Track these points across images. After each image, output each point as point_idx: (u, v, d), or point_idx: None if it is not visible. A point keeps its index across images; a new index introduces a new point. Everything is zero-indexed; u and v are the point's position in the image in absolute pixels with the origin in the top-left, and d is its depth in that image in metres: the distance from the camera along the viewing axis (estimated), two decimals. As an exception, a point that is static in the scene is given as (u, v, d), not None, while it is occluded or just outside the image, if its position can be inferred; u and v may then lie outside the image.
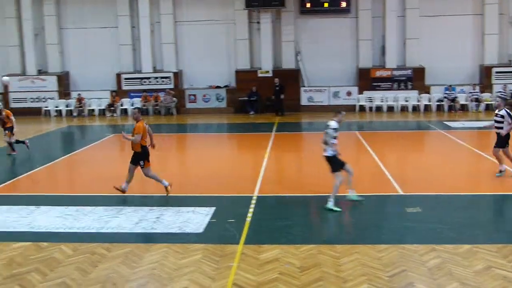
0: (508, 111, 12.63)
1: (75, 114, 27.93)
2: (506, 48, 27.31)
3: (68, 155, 17.85)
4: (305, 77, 27.94)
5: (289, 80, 27.24)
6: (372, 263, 7.79)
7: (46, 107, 28.40)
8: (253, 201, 11.20)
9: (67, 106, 28.36)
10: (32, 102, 28.68)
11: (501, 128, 12.67)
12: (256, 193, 11.87)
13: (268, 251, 8.33)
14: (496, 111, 13.08)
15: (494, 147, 12.94)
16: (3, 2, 28.51)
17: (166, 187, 11.75)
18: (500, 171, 12.85)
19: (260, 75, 27.58)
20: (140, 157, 11.68)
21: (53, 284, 7.33)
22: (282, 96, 26.19)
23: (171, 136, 22.18)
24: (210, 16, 28.31)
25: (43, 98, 28.65)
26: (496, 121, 12.92)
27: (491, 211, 11.15)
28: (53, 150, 19.66)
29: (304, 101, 27.71)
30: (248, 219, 10.01)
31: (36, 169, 15.24)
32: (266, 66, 27.68)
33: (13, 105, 28.52)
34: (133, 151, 11.85)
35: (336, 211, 10.36)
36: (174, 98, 27.59)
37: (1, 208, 11.01)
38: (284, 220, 10.09)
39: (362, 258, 8.00)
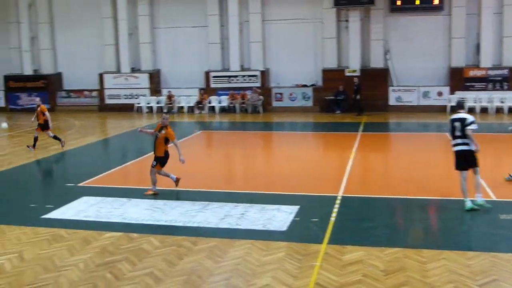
0: None
1: (165, 110, 28.84)
2: None
3: (158, 150, 18.44)
4: (393, 77, 27.28)
5: (377, 79, 26.72)
6: (460, 271, 7.50)
7: (138, 103, 29.51)
8: (338, 201, 11.10)
9: (157, 102, 29.34)
10: (125, 98, 29.92)
11: None
12: (340, 193, 11.76)
13: (351, 252, 8.23)
14: None
15: None
16: (100, 3, 29.94)
17: (153, 191, 12.09)
18: None
19: (347, 74, 27.24)
20: (159, 160, 12.06)
21: (141, 274, 7.62)
22: (358, 97, 25.83)
23: (257, 134, 22.40)
24: (298, 15, 28.29)
25: (136, 95, 29.83)
26: None
27: None
28: (144, 145, 20.39)
29: (392, 101, 27.06)
30: (332, 219, 9.94)
31: (127, 163, 15.91)
32: (353, 65, 27.30)
33: (107, 101, 29.99)
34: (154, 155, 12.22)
35: (484, 206, 10.20)
36: (261, 97, 27.84)
37: (96, 199, 11.59)
38: (369, 221, 9.93)
39: (450, 264, 7.72)
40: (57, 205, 11.16)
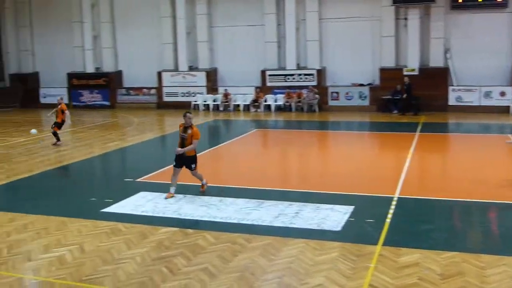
0: None
1: (221, 108, 29.16)
2: None
3: (214, 147, 18.70)
4: (454, 76, 26.58)
5: (436, 79, 26.14)
6: (523, 277, 7.25)
7: (195, 101, 29.94)
8: (394, 202, 10.92)
9: (214, 100, 29.69)
10: (182, 96, 30.44)
11: None
12: (397, 194, 11.56)
13: (407, 255, 8.08)
14: None
15: None
16: (159, 2, 30.55)
17: (202, 185, 12.06)
18: None
19: (405, 73, 26.73)
20: (193, 160, 11.68)
21: (196, 269, 7.74)
22: (404, 96, 25.41)
23: (312, 133, 22.31)
24: (355, 13, 28.00)
25: (193, 93, 30.28)
26: None
27: None
28: (200, 143, 20.64)
29: (452, 101, 26.37)
30: (388, 220, 9.78)
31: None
32: (412, 64, 26.78)
33: (165, 99, 30.58)
34: (178, 155, 11.56)
35: None
36: (317, 95, 27.71)
37: (152, 194, 11.85)
38: (426, 223, 9.72)
39: (510, 270, 7.46)
40: (116, 200, 11.47)
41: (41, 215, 10.55)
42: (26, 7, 33.93)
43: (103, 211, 10.74)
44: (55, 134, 18.72)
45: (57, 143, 18.72)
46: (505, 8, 25.82)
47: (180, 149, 11.41)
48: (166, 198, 11.44)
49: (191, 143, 11.40)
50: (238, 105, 29.21)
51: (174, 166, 11.66)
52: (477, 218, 10.31)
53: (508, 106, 25.14)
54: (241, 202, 11.12)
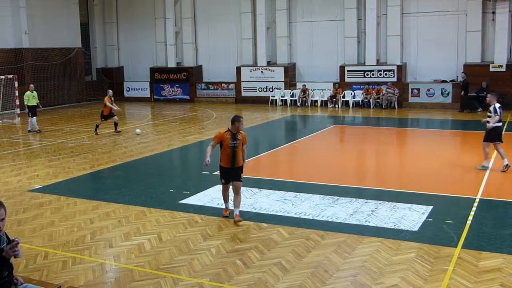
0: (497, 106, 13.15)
1: (298, 104, 29.11)
2: None
3: (291, 142, 18.72)
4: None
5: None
6: None
7: (273, 96, 30.06)
8: (475, 204, 10.51)
9: (292, 96, 29.69)
10: (260, 91, 30.65)
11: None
12: (479, 196, 11.12)
13: (488, 259, 7.75)
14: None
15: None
16: (239, -1, 30.96)
17: (236, 214, 9.68)
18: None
19: (492, 69, 25.59)
20: (242, 170, 9.82)
21: (269, 263, 7.79)
22: (462, 93, 25.00)
23: (391, 131, 21.83)
24: (439, 7, 27.11)
25: (271, 87, 30.41)
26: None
27: None
28: (277, 137, 20.79)
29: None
30: (469, 222, 9.43)
31: (260, 155, 16.29)
32: (499, 60, 25.60)
33: (243, 93, 30.92)
34: (229, 166, 9.73)
35: None
36: (397, 91, 27.08)
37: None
38: (509, 227, 9.28)
39: None
40: (193, 192, 11.74)
41: (123, 204, 10.98)
42: (113, 3, 35.32)
43: (180, 203, 11.02)
44: (116, 124, 20.77)
45: (117, 131, 20.66)
46: None
47: (244, 161, 9.79)
48: (224, 215, 9.99)
49: (240, 150, 9.68)
50: (316, 101, 29.06)
51: (224, 183, 9.87)
52: None
53: None
54: (316, 198, 11.08)
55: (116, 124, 20.67)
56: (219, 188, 12.01)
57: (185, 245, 8.62)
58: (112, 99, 20.48)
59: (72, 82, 32.53)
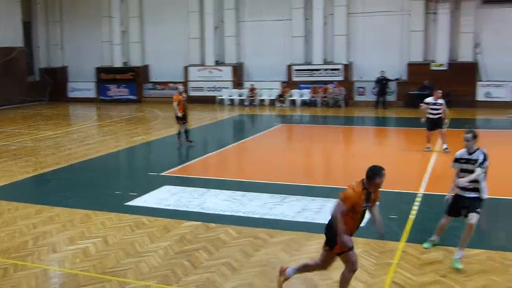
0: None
1: (246, 103, 29.16)
2: None
3: (239, 142, 18.74)
4: (483, 71, 26.09)
5: (465, 74, 25.75)
6: (549, 276, 7.10)
7: (221, 96, 30.00)
8: (419, 199, 10.80)
9: (239, 95, 29.71)
10: (208, 91, 30.53)
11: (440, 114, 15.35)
12: (422, 191, 11.43)
13: (431, 252, 7.98)
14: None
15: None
16: (187, -3, 30.72)
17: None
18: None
19: (433, 68, 26.36)
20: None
21: (218, 263, 7.76)
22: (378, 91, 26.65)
23: (338, 129, 22.16)
24: (384, 7, 27.65)
25: (219, 87, 30.35)
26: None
27: None
28: (225, 137, 20.77)
29: (480, 97, 25.91)
30: (412, 216, 9.68)
31: (208, 154, 16.23)
32: (440, 58, 26.38)
33: (191, 93, 30.68)
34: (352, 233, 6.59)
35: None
36: (343, 90, 27.51)
37: (176, 188, 11.92)
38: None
39: (538, 269, 7.33)
40: (140, 193, 11.57)
41: (67, 207, 10.71)
42: (56, 2, 34.41)
43: (127, 204, 10.84)
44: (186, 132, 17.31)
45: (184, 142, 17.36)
46: (537, 2, 25.29)
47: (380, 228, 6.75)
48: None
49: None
50: (263, 100, 29.18)
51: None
52: (504, 216, 10.13)
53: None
54: (264, 197, 11.11)
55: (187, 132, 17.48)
56: (166, 189, 11.92)
57: (131, 247, 8.49)
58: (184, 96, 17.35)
59: (15, 82, 31.47)
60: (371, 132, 21.27)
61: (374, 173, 6.48)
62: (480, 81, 26.01)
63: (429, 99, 15.62)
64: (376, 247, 8.20)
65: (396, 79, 27.32)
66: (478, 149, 7.61)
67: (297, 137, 20.99)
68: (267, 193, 11.38)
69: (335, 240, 6.27)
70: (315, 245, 8.33)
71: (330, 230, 6.43)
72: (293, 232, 8.96)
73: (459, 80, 25.55)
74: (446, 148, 15.35)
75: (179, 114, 16.81)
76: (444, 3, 26.09)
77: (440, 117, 15.56)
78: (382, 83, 26.68)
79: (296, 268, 6.82)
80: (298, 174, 13.83)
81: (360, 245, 8.26)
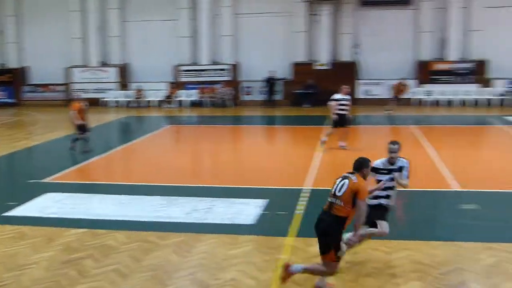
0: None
1: (133, 105, 28.56)
2: None
3: (125, 144, 18.29)
4: (362, 70, 27.50)
5: (346, 73, 27.00)
6: (424, 260, 7.60)
7: (106, 97, 29.14)
8: (306, 194, 11.12)
9: (126, 97, 29.03)
10: (93, 92, 29.49)
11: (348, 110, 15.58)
12: (309, 186, 11.79)
13: (317, 245, 8.22)
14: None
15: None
16: (67, -4, 29.47)
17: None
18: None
19: (316, 67, 27.37)
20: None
21: (107, 270, 7.52)
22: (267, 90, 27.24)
23: (226, 128, 22.33)
24: (269, 8, 28.23)
25: (104, 89, 29.45)
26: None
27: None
28: (112, 140, 20.20)
29: (360, 94, 27.29)
30: (300, 212, 9.95)
31: (94, 158, 15.69)
32: (323, 58, 27.45)
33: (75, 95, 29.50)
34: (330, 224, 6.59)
35: None
36: (231, 90, 27.76)
37: (60, 195, 11.39)
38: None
39: (414, 254, 7.82)
40: (21, 202, 10.92)
41: None
42: None
43: (6, 215, 10.19)
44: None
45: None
46: (410, 5, 27.04)
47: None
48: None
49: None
50: (150, 101, 28.74)
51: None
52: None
53: (409, 99, 26.21)
54: (153, 199, 10.94)
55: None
56: (49, 196, 11.33)
57: (12, 260, 7.98)
58: None
59: None
60: (259, 131, 21.66)
61: (363, 164, 6.75)
62: (360, 79, 27.37)
63: (337, 96, 15.46)
64: (265, 243, 8.34)
65: (283, 79, 28.02)
66: (399, 158, 7.64)
67: (185, 138, 20.89)
68: (156, 195, 11.21)
69: (329, 249, 6.39)
70: (205, 245, 8.34)
71: (328, 236, 6.48)
72: (183, 234, 8.88)
73: (341, 78, 26.48)
74: (344, 146, 15.64)
75: (79, 122, 16.28)
76: (325, 5, 27.16)
77: (347, 113, 15.62)
78: (270, 82, 27.25)
79: (304, 268, 6.72)
80: (186, 175, 13.77)
81: (251, 243, 8.40)
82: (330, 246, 6.40)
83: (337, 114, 15.43)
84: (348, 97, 15.64)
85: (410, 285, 6.88)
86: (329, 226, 6.45)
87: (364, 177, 6.62)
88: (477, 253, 7.83)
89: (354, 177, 6.52)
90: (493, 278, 7.05)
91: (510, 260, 7.54)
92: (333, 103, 15.47)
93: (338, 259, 6.47)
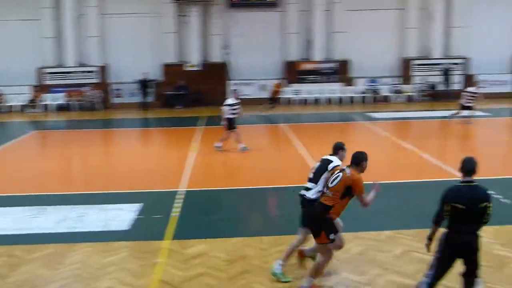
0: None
1: (-2, 110, 26.68)
2: (426, 42, 28.37)
3: (-14, 153, 17.02)
4: (232, 71, 27.91)
5: (217, 73, 27.24)
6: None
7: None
8: (181, 196, 11.07)
9: (-16, 102, 27.03)
10: None
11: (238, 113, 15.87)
12: (184, 188, 11.74)
13: (195, 246, 8.25)
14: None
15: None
16: None
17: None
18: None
19: (187, 68, 27.34)
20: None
21: (-33, 290, 6.96)
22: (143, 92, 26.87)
23: (96, 132, 21.58)
24: (137, 9, 27.67)
25: (-42, 93, 27.18)
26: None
27: (411, 198, 11.20)
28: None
29: (231, 95, 27.62)
30: (176, 214, 9.88)
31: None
32: (193, 59, 27.47)
33: None
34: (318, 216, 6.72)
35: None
36: (99, 93, 26.87)
37: None
38: (212, 214, 10.09)
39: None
40: None
41: None
42: None
43: None
44: None
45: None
46: (276, 7, 27.92)
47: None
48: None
49: None
50: (12, 106, 26.99)
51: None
52: (259, 204, 10.99)
53: (281, 97, 27.06)
54: (19, 210, 10.28)
55: None
56: None
57: None
58: None
59: None
60: (131, 134, 21.17)
61: (361, 158, 6.71)
62: (231, 80, 27.75)
63: (230, 101, 15.72)
64: (142, 249, 8.19)
65: (154, 80, 27.58)
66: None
67: (52, 144, 19.87)
68: (22, 206, 10.55)
69: (319, 231, 6.57)
70: (79, 255, 8.00)
71: (315, 221, 6.67)
72: (53, 245, 8.44)
73: (212, 79, 26.94)
74: (244, 147, 15.49)
75: None
76: (194, 7, 27.20)
77: (237, 116, 15.89)
78: (144, 84, 26.70)
79: (310, 279, 6.72)
80: (55, 183, 13.12)
81: (126, 249, 8.20)
82: (320, 229, 6.60)
83: (229, 118, 15.57)
84: (239, 101, 15.98)
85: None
86: (315, 213, 6.68)
87: (363, 171, 6.72)
88: (349, 242, 8.25)
89: (348, 171, 6.60)
90: (361, 266, 7.48)
91: (376, 248, 8.06)
92: (226, 108, 15.56)
93: (331, 240, 6.62)
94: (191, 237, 8.62)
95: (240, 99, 16.43)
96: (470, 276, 5.86)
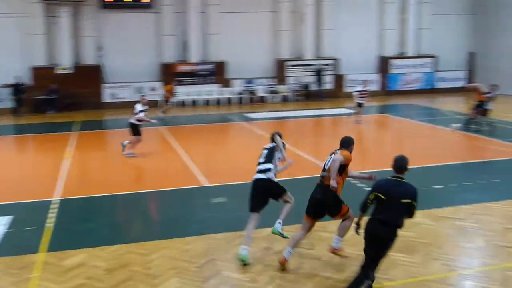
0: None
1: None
2: (298, 43, 29.48)
3: None
4: (107, 73, 27.16)
5: (90, 76, 26.37)
6: (180, 256, 7.89)
7: None
8: (56, 205, 10.60)
9: None
10: None
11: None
12: (59, 197, 11.25)
13: (72, 256, 7.95)
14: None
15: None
16: None
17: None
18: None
19: (58, 71, 26.16)
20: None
21: None
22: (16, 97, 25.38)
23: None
24: (1, 8, 25.89)
25: None
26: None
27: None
28: None
29: (106, 98, 26.94)
30: (50, 224, 9.45)
31: None
32: (65, 62, 26.34)
33: None
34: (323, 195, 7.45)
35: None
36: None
37: None
38: (89, 222, 9.76)
39: (170, 252, 8.06)
40: None
41: None
42: None
43: None
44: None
45: None
46: (151, 8, 27.55)
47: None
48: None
49: None
50: None
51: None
52: (138, 209, 10.82)
53: (157, 100, 26.71)
54: None
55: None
56: None
57: None
58: None
59: None
60: (0, 141, 19.87)
61: (349, 142, 7.63)
62: (105, 83, 26.98)
63: (139, 107, 15.36)
64: (13, 264, 7.73)
65: (23, 84, 26.00)
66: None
67: None
68: None
69: (340, 207, 7.43)
70: None
71: (334, 201, 7.40)
72: None
73: (85, 82, 26.00)
74: (131, 154, 15.24)
75: None
76: (64, 7, 26.06)
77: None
78: (17, 89, 25.02)
79: (338, 238, 7.65)
80: None
81: (-4, 265, 7.70)
82: (337, 207, 7.43)
83: (133, 123, 15.43)
84: (147, 106, 15.71)
85: (169, 283, 7.06)
86: (324, 195, 7.35)
87: (350, 152, 7.55)
88: (229, 242, 8.39)
89: (338, 151, 7.48)
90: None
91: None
92: (140, 114, 15.33)
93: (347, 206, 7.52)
94: (68, 248, 8.30)
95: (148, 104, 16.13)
96: (365, 269, 6.26)
